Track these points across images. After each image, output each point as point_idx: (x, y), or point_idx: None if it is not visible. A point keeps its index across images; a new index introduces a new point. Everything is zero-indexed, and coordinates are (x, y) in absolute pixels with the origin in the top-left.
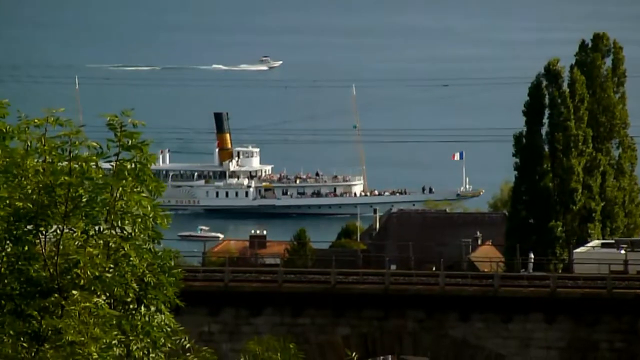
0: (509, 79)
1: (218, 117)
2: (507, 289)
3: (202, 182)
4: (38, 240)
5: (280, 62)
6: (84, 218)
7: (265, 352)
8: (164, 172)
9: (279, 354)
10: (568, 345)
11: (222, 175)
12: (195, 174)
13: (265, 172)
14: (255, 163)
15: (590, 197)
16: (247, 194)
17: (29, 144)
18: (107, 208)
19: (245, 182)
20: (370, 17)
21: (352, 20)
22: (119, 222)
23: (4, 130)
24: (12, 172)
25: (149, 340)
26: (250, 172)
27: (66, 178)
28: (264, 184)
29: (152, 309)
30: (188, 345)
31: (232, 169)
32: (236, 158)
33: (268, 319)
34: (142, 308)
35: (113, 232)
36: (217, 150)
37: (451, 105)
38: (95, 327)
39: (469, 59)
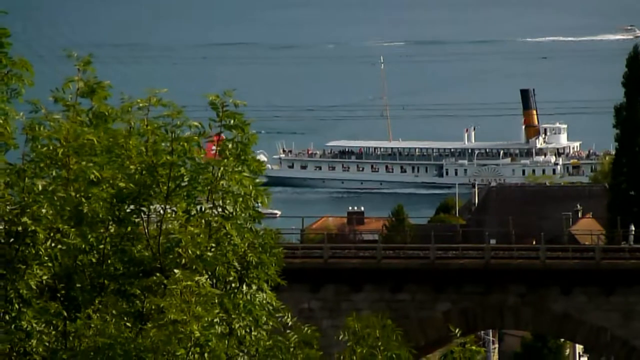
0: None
1: (524, 94)
2: (609, 261)
3: (508, 160)
4: (140, 220)
5: None
6: (185, 198)
7: (364, 328)
8: (469, 151)
9: (377, 331)
10: None
11: (528, 153)
12: (501, 152)
13: (573, 148)
14: (562, 140)
15: None
16: (554, 171)
17: (132, 124)
18: (209, 187)
19: (552, 159)
20: None
21: None
22: (221, 202)
23: (107, 112)
24: (115, 153)
25: (250, 319)
26: (557, 149)
27: (168, 158)
28: (571, 161)
29: (254, 287)
30: (290, 323)
31: (538, 146)
32: (543, 135)
33: (368, 295)
34: (244, 286)
35: (214, 211)
36: (523, 127)
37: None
38: (198, 305)
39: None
